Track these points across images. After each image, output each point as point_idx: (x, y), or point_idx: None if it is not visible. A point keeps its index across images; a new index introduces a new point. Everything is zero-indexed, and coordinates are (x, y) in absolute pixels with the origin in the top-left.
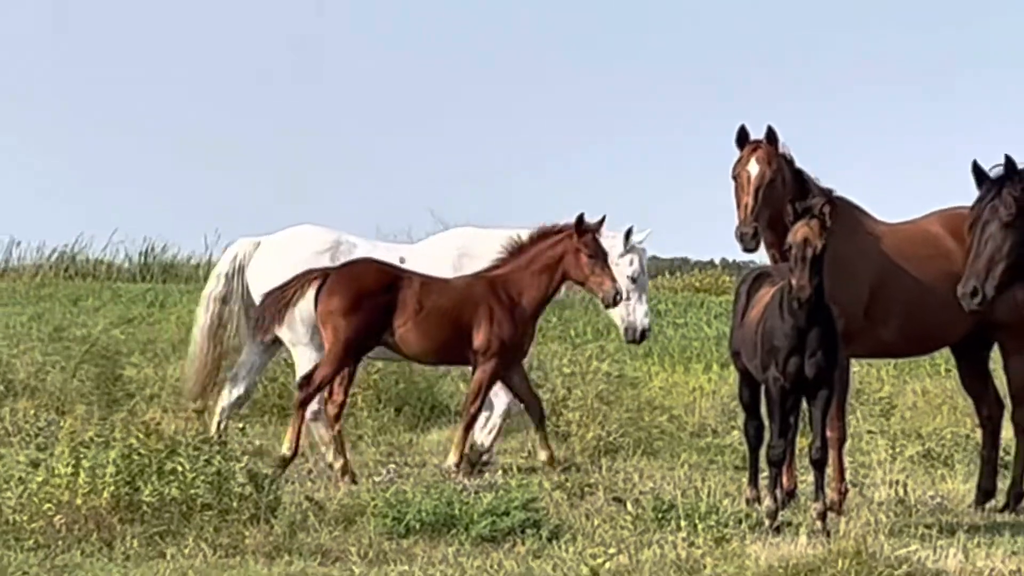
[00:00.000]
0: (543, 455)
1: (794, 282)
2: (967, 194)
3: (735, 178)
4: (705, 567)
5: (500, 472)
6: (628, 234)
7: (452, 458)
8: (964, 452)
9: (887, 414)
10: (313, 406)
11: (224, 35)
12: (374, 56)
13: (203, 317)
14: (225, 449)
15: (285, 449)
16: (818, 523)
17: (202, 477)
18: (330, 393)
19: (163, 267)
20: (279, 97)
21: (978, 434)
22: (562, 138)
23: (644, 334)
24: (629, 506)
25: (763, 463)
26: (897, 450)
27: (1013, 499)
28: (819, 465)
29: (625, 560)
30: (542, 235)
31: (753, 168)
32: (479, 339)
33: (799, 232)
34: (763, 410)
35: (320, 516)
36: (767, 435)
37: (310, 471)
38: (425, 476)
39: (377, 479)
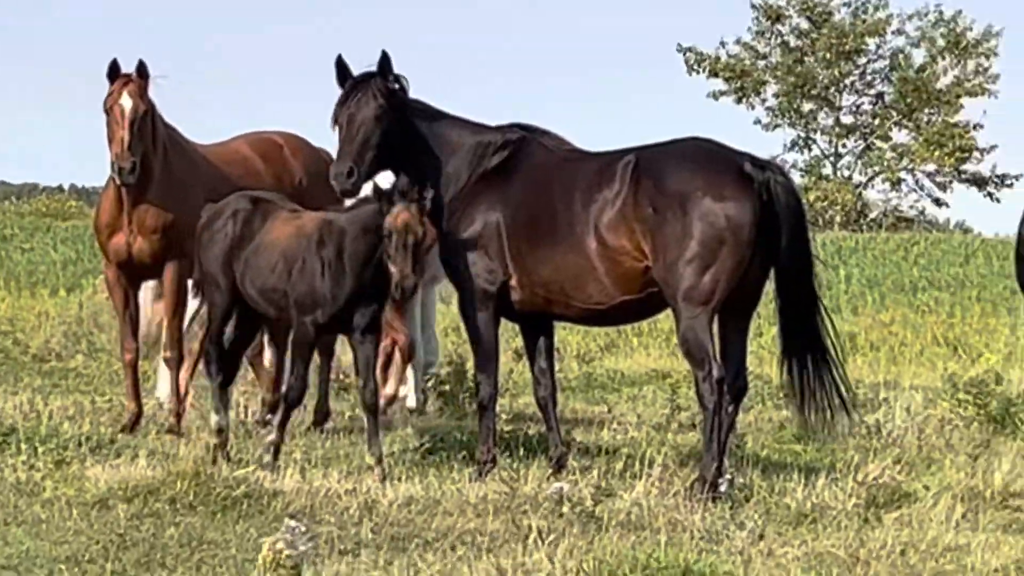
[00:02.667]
0: None
1: (396, 271)
2: None
3: (108, 111)
4: (45, 490)
5: None
6: None
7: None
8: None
9: None
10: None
11: None
12: None
13: None
14: None
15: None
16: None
17: None
18: None
19: None
20: None
21: None
22: None
23: None
24: None
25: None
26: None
27: (320, 416)
28: (373, 410)
29: None
30: None
31: (127, 102)
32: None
33: (400, 217)
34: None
35: None
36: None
37: None
38: None
39: None
